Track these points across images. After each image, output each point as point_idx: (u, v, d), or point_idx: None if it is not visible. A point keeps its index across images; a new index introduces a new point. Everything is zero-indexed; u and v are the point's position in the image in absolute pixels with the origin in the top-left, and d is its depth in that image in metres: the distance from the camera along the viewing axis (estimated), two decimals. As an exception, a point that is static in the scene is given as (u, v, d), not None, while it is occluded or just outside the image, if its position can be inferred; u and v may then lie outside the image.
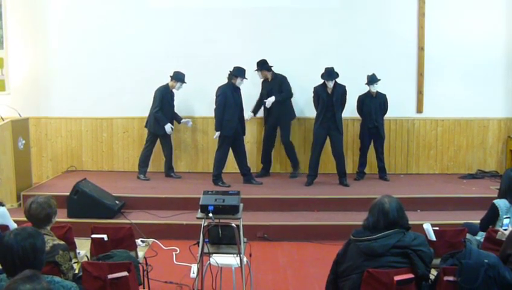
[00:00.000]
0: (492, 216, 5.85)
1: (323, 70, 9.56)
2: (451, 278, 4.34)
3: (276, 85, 10.16)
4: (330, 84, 9.54)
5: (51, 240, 4.46)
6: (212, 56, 10.52)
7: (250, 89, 10.11)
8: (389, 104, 10.10)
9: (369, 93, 10.00)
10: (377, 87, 9.91)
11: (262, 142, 10.51)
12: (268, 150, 10.49)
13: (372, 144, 10.21)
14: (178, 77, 10.02)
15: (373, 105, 9.97)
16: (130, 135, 10.94)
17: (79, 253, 5.65)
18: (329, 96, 9.58)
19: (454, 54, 10.64)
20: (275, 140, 10.51)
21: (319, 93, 9.64)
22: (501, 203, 5.81)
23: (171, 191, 9.34)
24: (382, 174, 10.30)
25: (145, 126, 10.26)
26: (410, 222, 4.39)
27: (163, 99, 10.01)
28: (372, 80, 9.85)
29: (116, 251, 5.27)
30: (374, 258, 4.21)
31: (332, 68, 9.55)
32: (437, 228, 5.58)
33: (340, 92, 9.62)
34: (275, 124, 10.30)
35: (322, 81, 9.61)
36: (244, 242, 5.69)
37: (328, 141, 9.82)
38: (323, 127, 9.67)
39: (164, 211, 8.66)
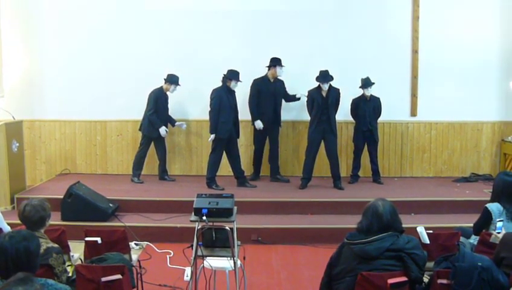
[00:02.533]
0: (485, 220, 5.86)
1: (317, 74, 9.58)
2: (444, 281, 4.35)
3: (280, 88, 10.16)
4: (325, 87, 9.56)
5: (45, 243, 4.45)
6: (207, 59, 10.52)
7: (245, 92, 10.08)
8: (382, 107, 10.13)
9: (363, 96, 10.01)
10: (371, 91, 9.94)
11: (256, 145, 10.46)
12: (262, 152, 10.48)
13: (366, 147, 10.22)
14: (172, 80, 10.01)
15: (367, 108, 9.98)
16: (124, 138, 10.92)
17: (73, 256, 5.64)
18: (324, 99, 9.60)
19: (448, 57, 10.68)
20: None
21: (314, 96, 9.65)
22: (494, 207, 5.82)
23: (164, 194, 9.33)
24: (376, 177, 10.31)
25: (139, 129, 10.24)
26: (403, 225, 4.40)
27: (158, 102, 10.00)
28: (366, 83, 9.87)
29: (110, 253, 5.27)
30: (368, 261, 4.22)
31: (327, 71, 9.57)
32: (431, 231, 5.59)
33: (335, 95, 9.65)
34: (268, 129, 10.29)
35: (316, 84, 9.63)
36: (238, 245, 5.68)
37: (322, 144, 9.83)
38: (318, 131, 9.67)
39: (158, 214, 8.65)
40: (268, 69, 10.04)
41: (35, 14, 10.73)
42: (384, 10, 10.76)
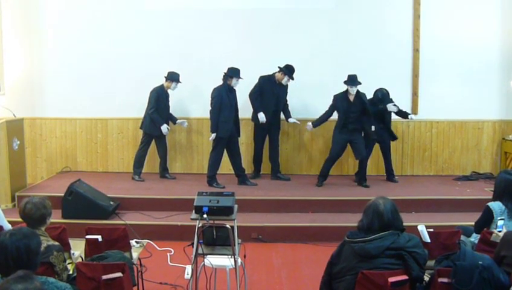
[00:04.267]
0: (487, 219, 5.85)
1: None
2: (445, 280, 4.34)
3: (284, 92, 10.14)
4: (353, 91, 9.52)
5: (46, 241, 4.45)
6: (207, 57, 10.54)
7: (245, 91, 10.05)
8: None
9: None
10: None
11: (256, 144, 10.44)
12: (262, 151, 10.47)
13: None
14: (173, 77, 10.00)
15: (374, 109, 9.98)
16: (124, 136, 10.93)
17: (73, 254, 5.64)
18: (351, 103, 9.59)
19: (449, 55, 10.68)
20: None
21: (338, 103, 9.63)
22: (495, 206, 5.81)
23: (165, 192, 9.33)
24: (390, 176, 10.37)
25: (140, 127, 10.24)
26: (404, 224, 4.40)
27: (159, 99, 9.99)
28: (382, 100, 9.79)
29: (111, 251, 5.26)
30: (368, 259, 4.22)
31: (355, 75, 9.53)
32: (431, 230, 5.58)
33: (362, 101, 9.61)
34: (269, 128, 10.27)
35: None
36: (238, 243, 5.69)
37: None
38: (345, 133, 9.69)
39: (159, 212, 8.65)
40: (278, 71, 10.00)
41: (35, 12, 10.73)
42: (385, 8, 10.74)
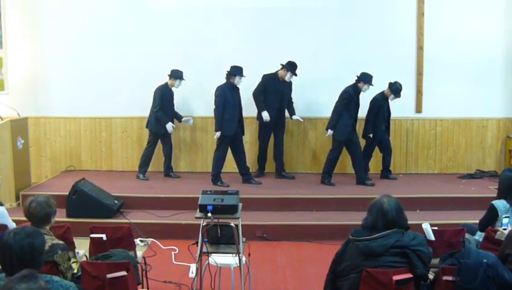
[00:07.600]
0: (491, 217, 5.85)
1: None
2: (450, 278, 4.34)
3: (288, 89, 10.15)
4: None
5: (50, 240, 4.46)
6: (211, 55, 10.52)
7: (249, 89, 10.06)
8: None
9: (384, 95, 9.98)
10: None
11: (261, 142, 10.44)
12: (267, 150, 10.47)
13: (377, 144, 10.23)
14: (176, 75, 10.01)
15: (387, 107, 10.02)
16: (129, 135, 10.94)
17: (78, 253, 5.65)
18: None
19: (454, 53, 10.66)
20: None
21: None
22: (500, 204, 5.81)
23: (170, 191, 9.34)
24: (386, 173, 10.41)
25: (146, 127, 10.23)
26: (409, 222, 4.39)
27: (163, 98, 9.99)
28: (396, 90, 9.95)
29: (115, 250, 5.26)
30: (373, 258, 4.21)
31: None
32: (436, 228, 5.58)
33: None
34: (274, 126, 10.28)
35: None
36: (243, 242, 5.69)
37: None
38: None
39: (163, 210, 8.65)
40: (281, 68, 10.00)
41: (40, 10, 10.74)
42: (389, 6, 10.74)
